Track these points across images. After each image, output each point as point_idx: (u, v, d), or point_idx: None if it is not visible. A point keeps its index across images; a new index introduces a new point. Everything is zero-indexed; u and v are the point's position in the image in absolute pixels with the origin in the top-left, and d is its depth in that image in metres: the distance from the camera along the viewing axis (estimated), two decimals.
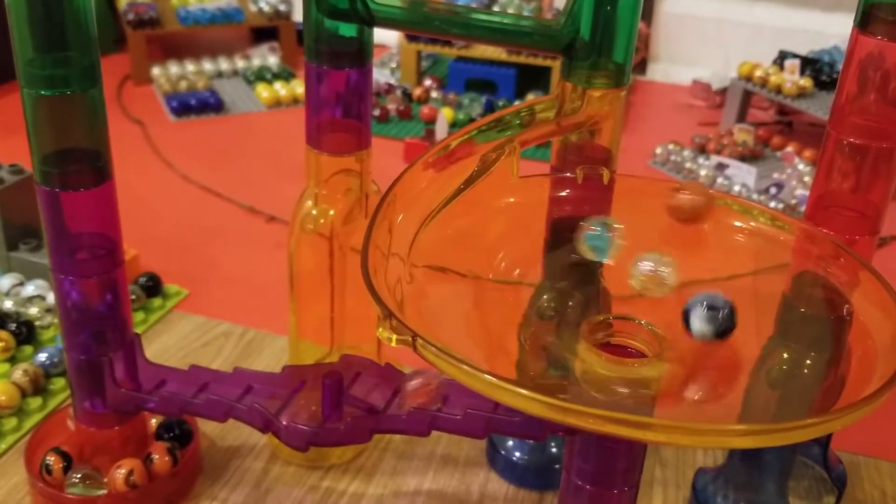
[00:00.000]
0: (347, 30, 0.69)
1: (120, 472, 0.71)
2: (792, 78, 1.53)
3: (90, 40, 0.61)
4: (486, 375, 0.42)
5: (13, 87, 0.62)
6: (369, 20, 0.68)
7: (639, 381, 0.51)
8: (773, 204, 1.31)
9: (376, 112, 1.60)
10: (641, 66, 1.92)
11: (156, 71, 1.73)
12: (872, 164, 0.65)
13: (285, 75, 1.76)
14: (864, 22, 0.62)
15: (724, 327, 0.54)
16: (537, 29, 0.65)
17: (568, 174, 0.64)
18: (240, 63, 1.80)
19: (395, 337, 0.44)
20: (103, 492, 0.72)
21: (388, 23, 0.69)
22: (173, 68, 1.75)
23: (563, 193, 0.64)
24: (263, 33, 1.92)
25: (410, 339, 0.43)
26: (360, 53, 0.70)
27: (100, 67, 0.62)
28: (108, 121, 0.65)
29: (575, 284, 0.61)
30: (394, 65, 1.84)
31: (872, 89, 0.63)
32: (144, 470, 0.72)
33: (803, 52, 1.62)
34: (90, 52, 0.61)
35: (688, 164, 1.44)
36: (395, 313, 0.45)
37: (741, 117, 1.62)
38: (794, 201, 1.31)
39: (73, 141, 0.63)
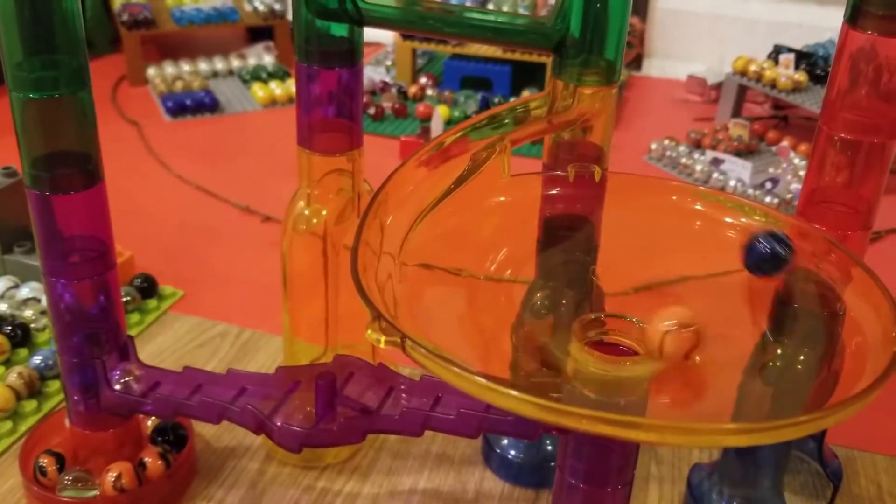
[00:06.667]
0: (338, 29, 0.69)
1: (109, 477, 0.71)
2: (787, 72, 1.53)
3: (78, 43, 0.61)
4: (476, 377, 0.42)
5: (3, 89, 0.62)
6: (359, 20, 0.68)
7: (631, 379, 0.51)
8: (768, 199, 1.31)
9: (371, 110, 1.60)
10: (637, 62, 1.92)
11: (151, 71, 1.73)
12: (864, 160, 0.65)
13: (281, 74, 1.76)
14: (854, 17, 0.62)
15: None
16: (529, 27, 0.65)
17: (559, 172, 0.64)
18: (235, 63, 1.80)
19: (383, 338, 0.44)
20: (95, 493, 0.72)
21: (379, 22, 0.69)
22: (169, 68, 1.74)
23: (555, 191, 0.64)
24: (259, 33, 1.92)
25: (399, 340, 0.43)
26: (351, 53, 0.70)
27: (88, 69, 0.62)
28: (98, 123, 0.65)
29: (567, 283, 0.61)
30: (389, 63, 1.84)
31: (864, 84, 0.63)
32: (134, 474, 0.72)
33: (798, 46, 1.61)
34: (78, 55, 0.61)
35: (683, 160, 1.44)
36: (385, 314, 0.45)
37: (736, 112, 1.61)
38: (789, 196, 1.31)
39: (62, 144, 0.63)
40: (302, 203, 0.75)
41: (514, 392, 0.41)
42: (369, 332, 0.44)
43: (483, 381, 0.42)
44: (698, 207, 0.62)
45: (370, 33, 0.71)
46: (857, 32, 0.62)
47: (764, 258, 0.56)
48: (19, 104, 0.61)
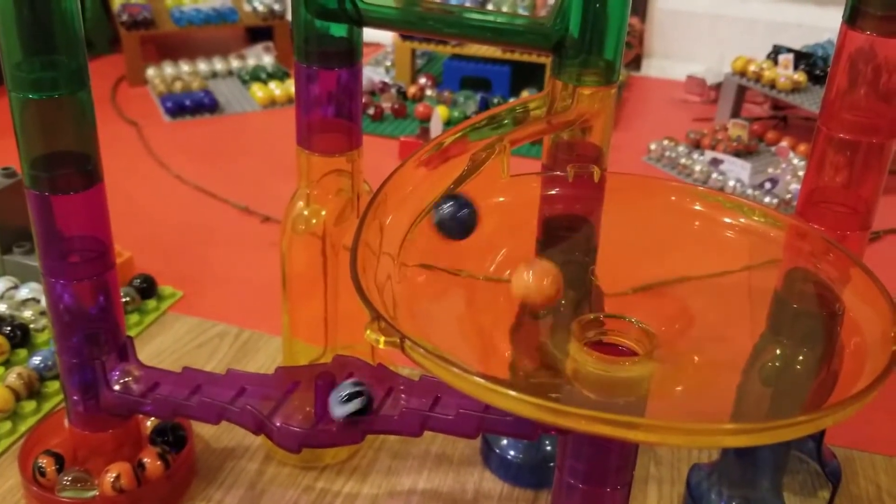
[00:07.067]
0: (337, 30, 0.69)
1: (108, 477, 0.71)
2: (786, 72, 1.53)
3: (78, 43, 0.61)
4: (475, 377, 0.42)
5: (3, 89, 0.62)
6: (359, 20, 0.68)
7: (630, 379, 0.51)
8: (767, 199, 1.31)
9: (371, 111, 1.59)
10: (636, 62, 1.92)
11: (150, 72, 1.73)
12: (863, 160, 0.65)
13: (280, 75, 1.76)
14: (853, 17, 0.62)
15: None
16: (528, 27, 0.65)
17: (559, 172, 0.64)
18: (235, 63, 1.80)
19: (383, 339, 0.44)
20: (94, 493, 0.71)
21: (379, 23, 0.69)
22: (168, 69, 1.74)
23: (555, 192, 0.64)
24: (258, 33, 1.92)
25: (398, 340, 0.43)
26: (350, 53, 0.70)
27: (87, 70, 0.62)
28: (97, 123, 0.65)
29: (567, 283, 0.61)
30: (388, 63, 1.84)
31: (862, 84, 0.63)
32: (133, 474, 0.72)
33: (797, 46, 1.61)
34: (78, 55, 0.61)
35: (682, 160, 1.44)
36: (385, 314, 0.45)
37: (735, 112, 1.61)
38: (788, 196, 1.31)
39: (62, 144, 0.63)
40: (301, 203, 0.75)
41: (512, 392, 0.41)
42: (368, 332, 0.44)
43: (482, 381, 0.42)
44: (697, 208, 0.62)
45: (369, 34, 0.71)
46: (856, 33, 0.62)
47: (458, 222, 0.57)
48: (19, 104, 0.61)
